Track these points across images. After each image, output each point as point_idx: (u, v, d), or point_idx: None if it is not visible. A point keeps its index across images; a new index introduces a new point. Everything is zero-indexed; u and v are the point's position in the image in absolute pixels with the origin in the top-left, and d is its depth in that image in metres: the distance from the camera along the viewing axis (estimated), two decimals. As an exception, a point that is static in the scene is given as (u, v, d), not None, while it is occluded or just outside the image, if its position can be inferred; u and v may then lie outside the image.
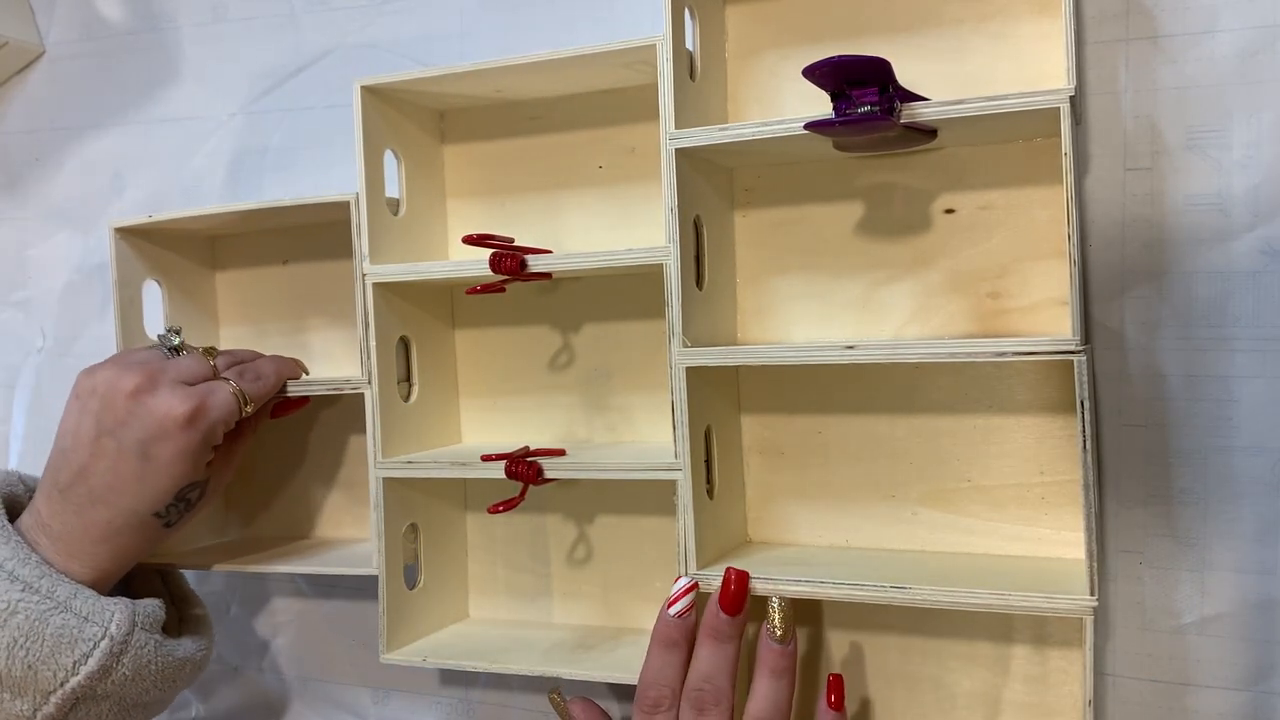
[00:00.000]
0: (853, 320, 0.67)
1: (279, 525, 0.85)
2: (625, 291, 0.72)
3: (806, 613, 0.69)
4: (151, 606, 0.67)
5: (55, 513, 0.66)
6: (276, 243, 0.83)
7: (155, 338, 0.73)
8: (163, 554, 0.80)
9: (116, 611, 0.64)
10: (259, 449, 0.85)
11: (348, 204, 0.70)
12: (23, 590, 0.63)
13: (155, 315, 0.81)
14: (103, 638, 0.63)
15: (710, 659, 0.59)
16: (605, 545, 0.74)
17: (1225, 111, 0.58)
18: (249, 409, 0.69)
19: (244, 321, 0.85)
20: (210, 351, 0.71)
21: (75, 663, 0.63)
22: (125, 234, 0.78)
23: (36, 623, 0.62)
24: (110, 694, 0.65)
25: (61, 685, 0.62)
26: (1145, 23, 0.60)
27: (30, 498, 0.70)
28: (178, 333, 0.72)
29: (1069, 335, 0.53)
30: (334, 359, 0.82)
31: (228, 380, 0.69)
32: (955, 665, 0.65)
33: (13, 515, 0.68)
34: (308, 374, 0.76)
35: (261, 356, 0.74)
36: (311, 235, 0.82)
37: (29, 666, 0.62)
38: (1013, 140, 0.62)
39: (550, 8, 0.75)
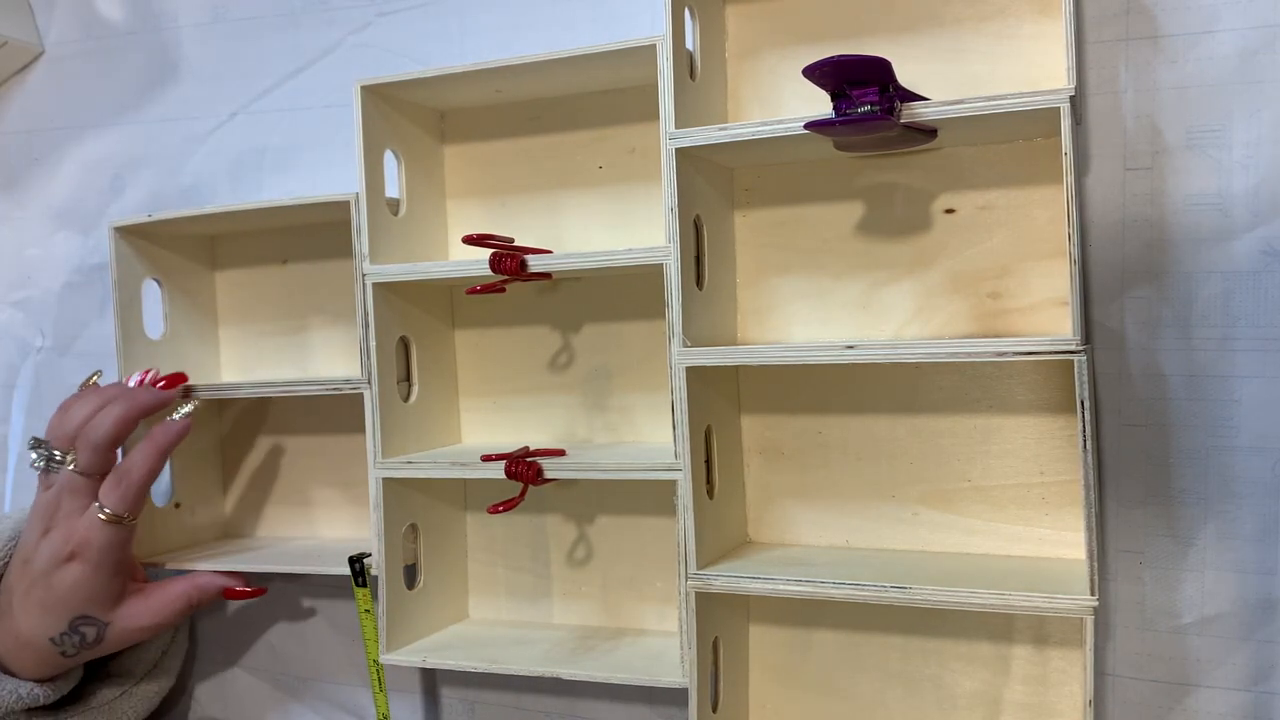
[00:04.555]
0: (853, 320, 0.67)
1: (279, 525, 0.85)
2: (625, 291, 0.72)
3: (807, 613, 0.69)
4: (30, 691, 0.71)
5: None
6: (276, 243, 0.83)
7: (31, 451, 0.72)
8: (161, 552, 0.80)
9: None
10: (259, 450, 0.85)
11: (348, 204, 0.70)
12: None
13: (155, 315, 0.81)
14: None
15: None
16: (605, 545, 0.74)
17: (1225, 111, 0.58)
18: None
19: (244, 321, 0.85)
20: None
21: None
22: (125, 234, 0.79)
23: None
24: None
25: None
26: (1145, 23, 0.60)
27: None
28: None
29: (1069, 335, 0.53)
30: (334, 359, 0.82)
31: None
32: (955, 665, 0.65)
33: None
34: (188, 403, 0.73)
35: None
36: (311, 235, 0.82)
37: None
38: (1013, 140, 0.62)
39: (550, 8, 0.75)
